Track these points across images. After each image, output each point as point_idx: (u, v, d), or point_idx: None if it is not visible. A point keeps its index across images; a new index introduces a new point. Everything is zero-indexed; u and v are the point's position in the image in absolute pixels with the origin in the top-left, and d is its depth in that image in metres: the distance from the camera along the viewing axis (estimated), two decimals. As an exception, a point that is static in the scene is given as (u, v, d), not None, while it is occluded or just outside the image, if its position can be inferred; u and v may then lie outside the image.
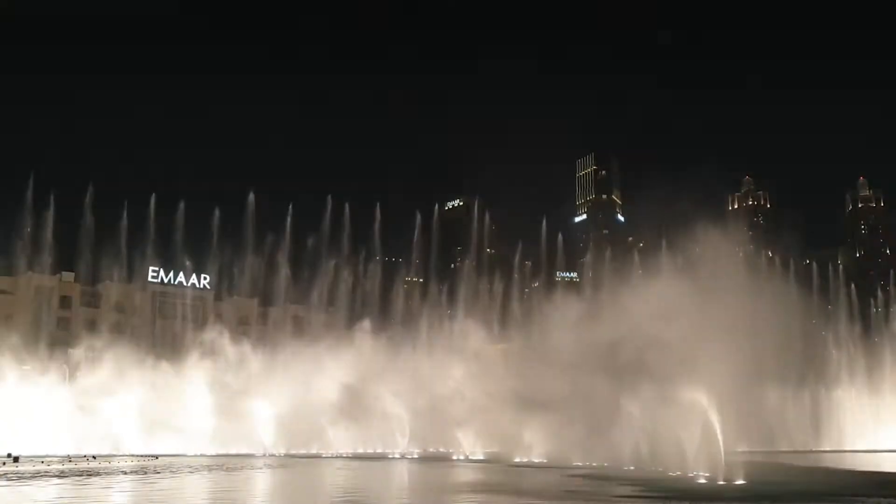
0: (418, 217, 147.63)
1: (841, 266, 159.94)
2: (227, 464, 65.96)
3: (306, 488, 44.86)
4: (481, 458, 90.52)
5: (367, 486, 44.90)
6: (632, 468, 56.19)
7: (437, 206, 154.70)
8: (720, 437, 45.89)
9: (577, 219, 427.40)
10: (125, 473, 48.74)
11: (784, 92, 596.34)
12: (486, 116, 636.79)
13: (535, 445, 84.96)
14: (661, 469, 52.02)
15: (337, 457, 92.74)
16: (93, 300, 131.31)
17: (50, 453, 78.71)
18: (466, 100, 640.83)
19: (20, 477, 43.64)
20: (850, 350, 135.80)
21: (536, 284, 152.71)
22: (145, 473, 49.25)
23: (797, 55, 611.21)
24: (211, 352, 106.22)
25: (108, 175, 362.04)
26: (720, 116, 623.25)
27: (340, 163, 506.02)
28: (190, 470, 55.03)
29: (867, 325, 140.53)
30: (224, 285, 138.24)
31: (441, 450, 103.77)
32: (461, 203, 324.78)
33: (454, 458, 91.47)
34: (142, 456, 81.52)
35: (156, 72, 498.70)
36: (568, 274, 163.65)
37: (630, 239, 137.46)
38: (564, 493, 38.84)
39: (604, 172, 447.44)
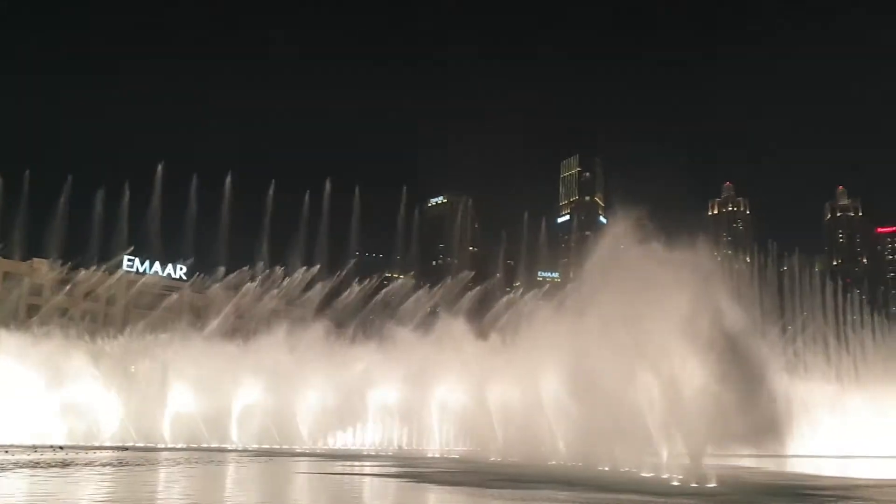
0: (401, 214, 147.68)
1: (818, 272, 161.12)
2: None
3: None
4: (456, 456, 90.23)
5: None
6: (606, 468, 55.89)
7: (402, 204, 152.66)
8: (694, 440, 45.70)
9: (561, 219, 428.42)
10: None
11: (767, 101, 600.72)
12: (472, 115, 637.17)
13: (514, 444, 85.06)
14: (633, 470, 51.77)
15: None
16: (65, 288, 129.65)
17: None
18: (454, 97, 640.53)
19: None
20: (824, 356, 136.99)
21: (518, 283, 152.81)
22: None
23: (780, 65, 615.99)
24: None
25: (83, 161, 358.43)
26: (706, 123, 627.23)
27: (324, 159, 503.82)
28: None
29: (842, 332, 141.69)
30: (200, 275, 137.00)
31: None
32: (445, 201, 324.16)
33: (431, 455, 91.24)
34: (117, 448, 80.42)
35: (137, 57, 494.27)
36: (550, 273, 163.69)
37: (621, 245, 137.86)
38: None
39: (588, 174, 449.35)
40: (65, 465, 46.02)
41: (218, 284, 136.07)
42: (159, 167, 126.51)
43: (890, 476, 62.36)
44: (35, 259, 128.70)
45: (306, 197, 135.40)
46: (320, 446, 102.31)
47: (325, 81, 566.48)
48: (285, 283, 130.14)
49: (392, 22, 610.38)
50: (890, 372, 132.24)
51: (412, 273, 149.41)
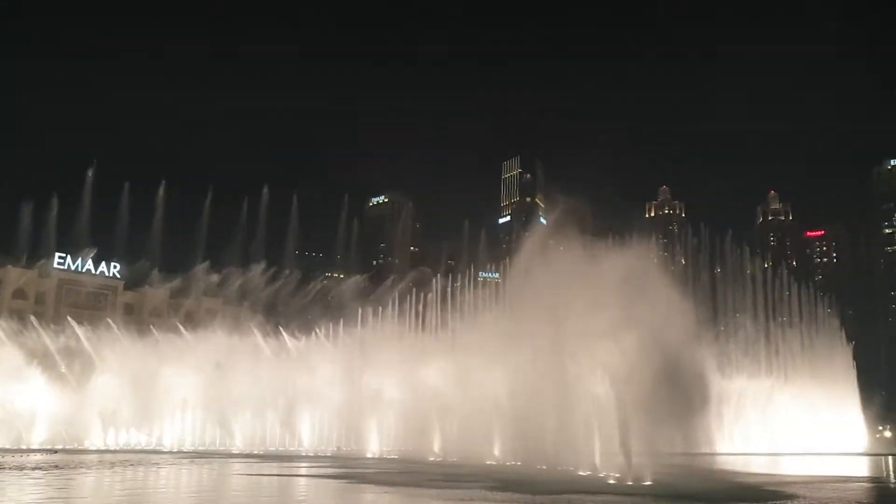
0: (344, 213, 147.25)
1: (749, 274, 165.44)
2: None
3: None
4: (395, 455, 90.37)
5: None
6: (544, 467, 56.49)
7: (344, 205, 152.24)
8: (631, 438, 46.46)
9: (502, 220, 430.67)
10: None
11: (701, 104, 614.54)
12: (416, 115, 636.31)
13: (451, 444, 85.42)
14: (571, 468, 52.40)
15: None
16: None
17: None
18: (396, 97, 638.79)
19: None
20: (752, 358, 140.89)
21: (458, 284, 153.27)
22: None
23: (715, 69, 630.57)
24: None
25: (10, 157, 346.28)
26: (642, 126, 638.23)
27: (262, 159, 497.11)
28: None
29: (775, 332, 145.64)
30: (135, 275, 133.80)
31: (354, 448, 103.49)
32: (386, 200, 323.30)
33: (369, 455, 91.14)
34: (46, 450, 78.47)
35: (74, 57, 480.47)
36: (491, 274, 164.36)
37: (552, 242, 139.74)
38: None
39: (528, 176, 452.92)
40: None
41: (149, 286, 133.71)
42: (90, 172, 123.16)
43: (817, 472, 64.38)
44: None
45: (245, 204, 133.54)
46: (257, 448, 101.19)
47: (263, 82, 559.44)
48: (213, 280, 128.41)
49: (331, 20, 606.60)
50: (817, 371, 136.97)
51: (366, 275, 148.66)
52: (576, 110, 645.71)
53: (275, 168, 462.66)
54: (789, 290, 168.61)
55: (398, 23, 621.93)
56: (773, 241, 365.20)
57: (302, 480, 49.76)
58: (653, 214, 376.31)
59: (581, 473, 49.17)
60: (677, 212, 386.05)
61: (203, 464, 63.20)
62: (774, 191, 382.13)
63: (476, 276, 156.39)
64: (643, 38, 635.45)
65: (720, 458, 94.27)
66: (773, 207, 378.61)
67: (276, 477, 50.65)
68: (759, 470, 67.62)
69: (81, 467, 54.20)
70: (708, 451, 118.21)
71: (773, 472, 65.29)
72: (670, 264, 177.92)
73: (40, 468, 50.79)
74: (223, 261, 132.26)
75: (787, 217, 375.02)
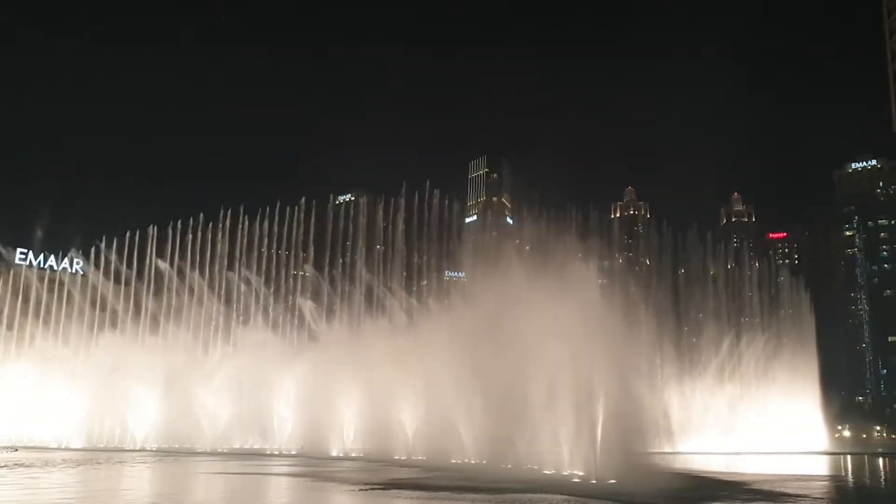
0: (312, 211, 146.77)
1: (712, 275, 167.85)
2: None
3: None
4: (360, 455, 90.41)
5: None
6: (509, 466, 56.80)
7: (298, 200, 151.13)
8: (597, 437, 46.95)
9: (468, 219, 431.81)
10: None
11: (669, 103, 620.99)
12: (382, 112, 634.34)
13: (415, 443, 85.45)
14: (536, 467, 52.78)
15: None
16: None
17: None
18: (364, 94, 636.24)
19: None
20: (714, 357, 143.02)
21: (425, 283, 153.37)
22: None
23: (676, 68, 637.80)
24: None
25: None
26: (607, 126, 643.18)
27: (232, 157, 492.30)
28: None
29: (738, 333, 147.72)
30: (98, 271, 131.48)
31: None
32: (352, 198, 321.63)
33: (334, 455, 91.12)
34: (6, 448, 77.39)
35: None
36: (457, 273, 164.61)
37: (517, 241, 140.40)
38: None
39: (495, 175, 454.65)
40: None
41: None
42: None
43: (780, 471, 65.60)
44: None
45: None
46: (222, 447, 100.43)
47: (230, 78, 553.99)
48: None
49: (296, 15, 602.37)
50: (778, 372, 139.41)
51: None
52: (541, 110, 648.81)
53: (240, 164, 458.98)
54: (751, 292, 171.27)
55: (366, 21, 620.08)
56: (735, 242, 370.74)
57: (279, 479, 49.55)
58: (618, 215, 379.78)
59: (546, 472, 49.59)
60: (643, 212, 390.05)
61: (175, 462, 62.64)
62: (738, 192, 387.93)
63: (442, 275, 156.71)
64: (607, 39, 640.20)
65: (681, 458, 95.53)
66: (736, 209, 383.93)
67: (242, 476, 50.37)
68: (720, 469, 68.71)
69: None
70: (669, 450, 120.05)
71: (736, 470, 66.33)
72: (635, 265, 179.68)
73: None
74: (185, 256, 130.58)
75: (749, 219, 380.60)
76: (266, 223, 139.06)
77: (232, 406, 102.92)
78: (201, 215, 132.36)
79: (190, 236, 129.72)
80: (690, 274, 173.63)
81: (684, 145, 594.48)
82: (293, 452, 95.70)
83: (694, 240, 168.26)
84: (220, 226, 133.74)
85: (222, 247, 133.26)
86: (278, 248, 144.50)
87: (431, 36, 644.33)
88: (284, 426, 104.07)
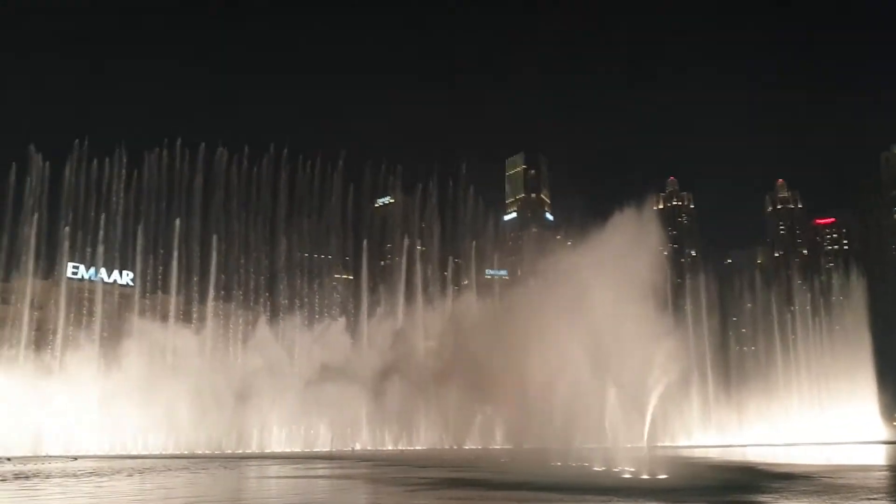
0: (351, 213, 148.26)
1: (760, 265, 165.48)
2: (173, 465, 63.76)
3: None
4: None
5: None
6: (558, 463, 56.59)
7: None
8: (645, 432, 46.69)
9: (507, 217, 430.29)
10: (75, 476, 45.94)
11: (708, 94, 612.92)
12: (418, 113, 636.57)
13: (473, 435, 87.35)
14: (585, 464, 52.51)
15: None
16: (7, 297, 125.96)
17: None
18: (398, 97, 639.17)
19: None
20: (763, 348, 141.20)
21: (466, 282, 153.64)
22: (93, 475, 46.78)
23: (720, 58, 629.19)
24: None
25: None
26: (647, 118, 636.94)
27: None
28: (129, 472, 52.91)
29: (783, 323, 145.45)
30: (148, 282, 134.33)
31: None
32: (392, 201, 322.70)
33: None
34: (60, 457, 79.22)
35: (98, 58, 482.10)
36: (498, 272, 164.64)
37: (559, 237, 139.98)
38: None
39: (533, 171, 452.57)
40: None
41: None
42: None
43: (836, 462, 64.33)
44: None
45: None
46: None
47: (259, 81, 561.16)
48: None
49: (342, 27, 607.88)
50: (832, 360, 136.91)
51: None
52: (578, 105, 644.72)
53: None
54: (801, 279, 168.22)
55: (400, 20, 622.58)
56: (782, 229, 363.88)
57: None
58: (661, 207, 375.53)
59: (596, 469, 49.29)
60: (686, 203, 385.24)
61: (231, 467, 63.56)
62: (782, 179, 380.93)
63: (483, 273, 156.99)
64: (644, 30, 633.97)
65: (731, 450, 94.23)
66: (781, 196, 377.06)
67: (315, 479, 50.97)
68: (774, 460, 67.51)
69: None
70: (717, 443, 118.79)
71: (790, 461, 65.12)
72: (681, 257, 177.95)
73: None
74: (232, 263, 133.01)
75: (795, 205, 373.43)
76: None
77: None
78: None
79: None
80: (737, 263, 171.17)
81: (726, 133, 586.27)
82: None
83: (740, 228, 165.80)
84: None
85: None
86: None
87: (466, 32, 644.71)
88: None
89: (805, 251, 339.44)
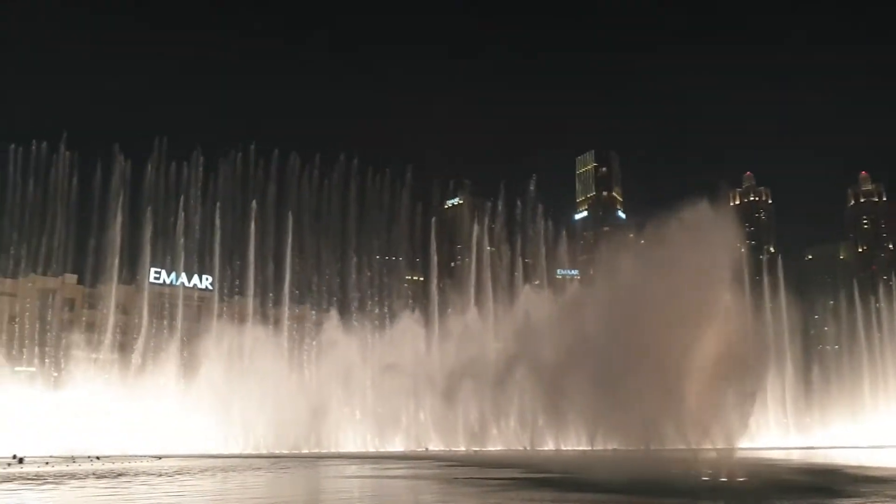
0: (419, 215, 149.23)
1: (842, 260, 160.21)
2: (239, 465, 65.33)
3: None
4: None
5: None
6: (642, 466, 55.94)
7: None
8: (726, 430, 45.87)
9: (578, 216, 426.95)
10: (158, 475, 46.92)
11: (785, 87, 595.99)
12: (484, 115, 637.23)
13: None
14: (664, 466, 51.80)
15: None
16: (95, 302, 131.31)
17: (40, 454, 79.11)
18: (465, 98, 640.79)
19: (41, 479, 42.97)
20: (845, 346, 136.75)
21: (537, 282, 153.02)
22: (178, 474, 48.07)
23: (797, 51, 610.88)
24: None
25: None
26: (721, 113, 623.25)
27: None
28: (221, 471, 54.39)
29: (868, 320, 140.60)
30: (226, 286, 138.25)
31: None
32: (461, 202, 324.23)
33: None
34: (144, 456, 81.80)
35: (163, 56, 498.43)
36: (570, 272, 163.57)
37: (632, 235, 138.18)
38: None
39: (604, 169, 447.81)
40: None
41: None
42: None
43: None
44: (66, 275, 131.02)
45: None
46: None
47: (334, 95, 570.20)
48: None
49: (406, 16, 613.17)
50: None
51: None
52: (648, 100, 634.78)
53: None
54: (886, 275, 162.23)
55: (467, 18, 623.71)
56: (865, 223, 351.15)
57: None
58: (737, 202, 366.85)
59: (673, 471, 48.54)
60: (763, 198, 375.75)
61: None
62: (866, 171, 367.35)
63: (554, 273, 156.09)
64: (718, 22, 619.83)
65: (819, 452, 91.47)
66: (864, 189, 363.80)
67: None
68: (853, 463, 65.04)
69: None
70: (793, 445, 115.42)
71: (880, 465, 62.60)
72: (759, 253, 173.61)
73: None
74: (307, 265, 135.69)
75: (879, 198, 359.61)
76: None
77: None
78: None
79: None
80: (818, 259, 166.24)
81: (804, 127, 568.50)
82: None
83: (820, 223, 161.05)
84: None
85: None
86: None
87: (530, 30, 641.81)
88: None
89: (890, 245, 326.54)
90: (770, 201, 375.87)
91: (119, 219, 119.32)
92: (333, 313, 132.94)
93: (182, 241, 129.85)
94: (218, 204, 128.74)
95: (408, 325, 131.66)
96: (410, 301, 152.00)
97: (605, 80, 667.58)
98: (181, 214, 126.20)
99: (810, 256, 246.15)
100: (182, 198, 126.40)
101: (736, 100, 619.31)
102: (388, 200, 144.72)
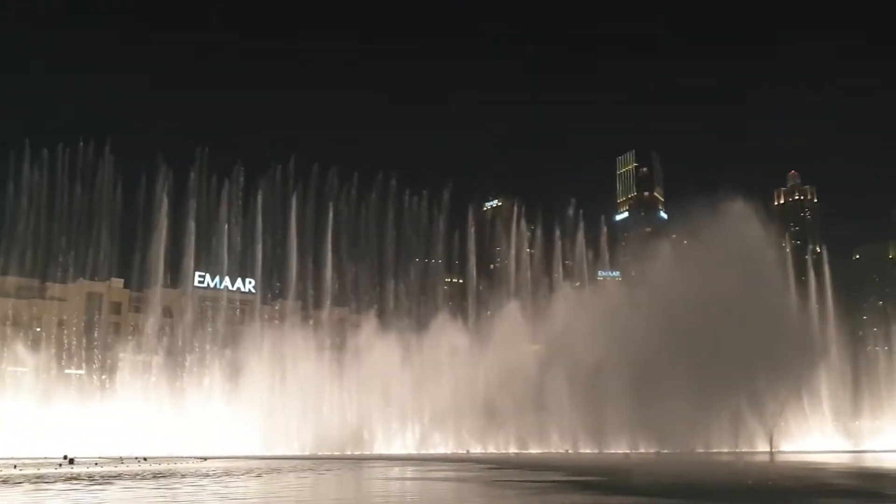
0: (470, 215, 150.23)
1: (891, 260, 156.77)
2: (297, 466, 65.93)
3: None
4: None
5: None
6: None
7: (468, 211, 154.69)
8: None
9: (619, 217, 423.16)
10: (206, 476, 47.96)
11: (830, 84, 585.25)
12: (522, 116, 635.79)
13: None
14: (706, 468, 51.29)
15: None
16: (141, 305, 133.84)
17: (89, 455, 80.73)
18: (507, 99, 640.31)
19: (91, 479, 43.94)
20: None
21: (578, 284, 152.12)
22: (224, 475, 48.72)
23: (847, 50, 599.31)
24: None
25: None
26: (764, 111, 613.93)
27: (376, 165, 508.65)
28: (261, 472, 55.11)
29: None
30: (269, 289, 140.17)
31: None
32: (499, 203, 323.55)
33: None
34: (190, 457, 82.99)
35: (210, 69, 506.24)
36: (611, 273, 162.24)
37: (674, 236, 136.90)
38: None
39: (645, 169, 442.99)
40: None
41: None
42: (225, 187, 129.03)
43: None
44: (113, 279, 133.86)
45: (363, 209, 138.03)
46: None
47: (357, 97, 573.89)
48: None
49: (426, 13, 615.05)
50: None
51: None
52: (691, 99, 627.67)
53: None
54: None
55: (510, 17, 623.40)
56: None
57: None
58: (781, 202, 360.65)
59: (716, 475, 47.95)
60: (808, 197, 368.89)
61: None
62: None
63: (596, 275, 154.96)
64: (760, 25, 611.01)
65: (868, 456, 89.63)
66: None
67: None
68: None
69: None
70: (849, 448, 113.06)
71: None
72: (804, 253, 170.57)
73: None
74: (345, 270, 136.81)
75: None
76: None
77: None
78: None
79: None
80: (866, 259, 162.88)
81: (851, 125, 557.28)
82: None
83: (868, 222, 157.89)
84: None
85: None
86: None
87: (579, 29, 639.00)
88: None
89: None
90: (815, 200, 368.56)
91: (163, 226, 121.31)
92: (373, 315, 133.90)
93: (225, 245, 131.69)
94: (260, 209, 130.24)
95: (447, 328, 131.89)
96: (450, 303, 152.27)
97: (646, 78, 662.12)
98: (223, 221, 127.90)
99: (858, 256, 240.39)
100: (224, 206, 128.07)
101: (781, 98, 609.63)
102: (426, 206, 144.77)
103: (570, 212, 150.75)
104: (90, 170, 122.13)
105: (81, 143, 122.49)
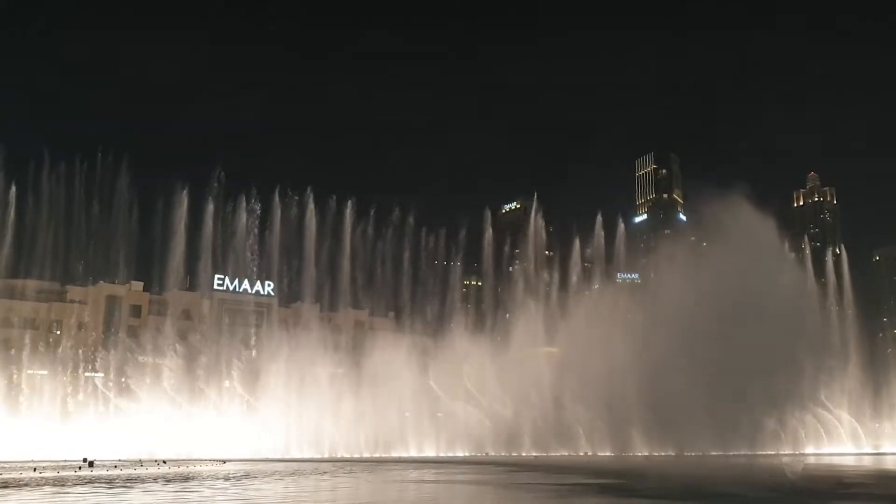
0: (488, 217, 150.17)
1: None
2: (306, 469, 66.22)
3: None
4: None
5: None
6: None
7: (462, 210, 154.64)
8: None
9: (638, 219, 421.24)
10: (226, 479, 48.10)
11: (851, 86, 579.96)
12: (543, 116, 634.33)
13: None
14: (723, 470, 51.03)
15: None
16: (160, 308, 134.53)
17: (109, 458, 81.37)
18: (524, 100, 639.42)
19: (112, 482, 44.21)
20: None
21: (597, 286, 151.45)
22: (244, 477, 48.94)
23: (864, 53, 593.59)
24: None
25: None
26: (783, 113, 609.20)
27: (395, 167, 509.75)
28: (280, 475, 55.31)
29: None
30: (287, 292, 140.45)
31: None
32: (518, 206, 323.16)
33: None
34: (209, 460, 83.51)
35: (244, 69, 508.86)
36: (629, 275, 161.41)
37: (693, 238, 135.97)
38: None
39: (664, 171, 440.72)
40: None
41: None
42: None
43: None
44: (133, 282, 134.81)
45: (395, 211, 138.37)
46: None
47: (383, 102, 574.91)
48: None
49: (432, 18, 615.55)
50: None
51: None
52: (714, 101, 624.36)
53: (400, 180, 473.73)
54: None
55: (522, 18, 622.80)
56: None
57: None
58: (801, 203, 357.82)
59: (734, 476, 47.70)
60: (828, 199, 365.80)
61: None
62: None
63: (614, 277, 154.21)
64: (780, 27, 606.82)
65: (889, 458, 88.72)
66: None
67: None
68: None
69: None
70: (872, 451, 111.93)
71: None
72: (823, 255, 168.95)
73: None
74: (362, 272, 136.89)
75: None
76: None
77: None
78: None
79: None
80: (887, 260, 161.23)
81: (872, 126, 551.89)
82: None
83: (888, 224, 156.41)
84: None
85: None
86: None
87: (602, 30, 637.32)
88: None
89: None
90: (835, 201, 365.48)
91: (182, 228, 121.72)
92: (391, 318, 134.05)
93: (245, 248, 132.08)
94: (278, 211, 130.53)
95: (465, 330, 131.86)
96: (468, 305, 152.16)
97: (665, 79, 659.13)
98: (242, 224, 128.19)
99: (878, 258, 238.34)
100: (243, 208, 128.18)
101: (800, 99, 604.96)
102: (446, 206, 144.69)
103: (588, 213, 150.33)
104: (110, 173, 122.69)
105: (100, 148, 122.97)
